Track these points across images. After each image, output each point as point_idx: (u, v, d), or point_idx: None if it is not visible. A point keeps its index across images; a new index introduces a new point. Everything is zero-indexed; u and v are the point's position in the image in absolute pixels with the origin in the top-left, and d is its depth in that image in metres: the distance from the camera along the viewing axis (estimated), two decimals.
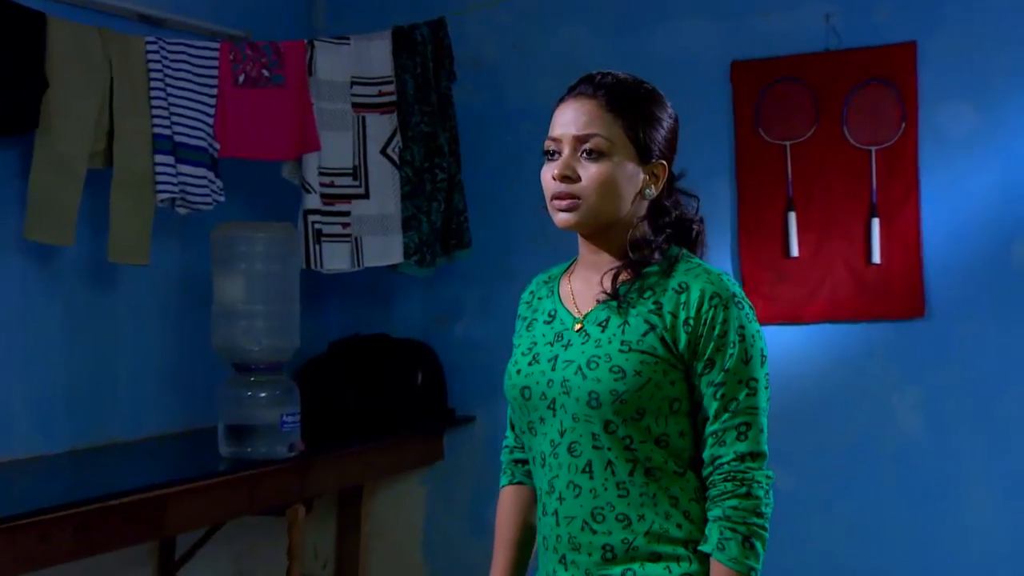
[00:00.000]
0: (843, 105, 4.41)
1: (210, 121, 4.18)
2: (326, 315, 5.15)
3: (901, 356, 4.39)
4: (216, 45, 4.27)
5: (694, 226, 2.19)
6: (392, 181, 4.55)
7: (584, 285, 2.18)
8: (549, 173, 2.12)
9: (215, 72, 4.21)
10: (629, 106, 2.10)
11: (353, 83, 4.53)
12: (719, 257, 4.51)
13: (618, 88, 2.11)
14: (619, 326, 2.08)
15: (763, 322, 2.26)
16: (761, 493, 2.02)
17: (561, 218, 2.11)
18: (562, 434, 2.10)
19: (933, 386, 4.34)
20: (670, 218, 2.16)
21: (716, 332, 2.04)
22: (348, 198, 4.49)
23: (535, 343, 2.19)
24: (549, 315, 2.21)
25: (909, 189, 4.33)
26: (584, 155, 2.09)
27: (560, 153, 2.11)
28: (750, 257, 4.51)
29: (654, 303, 2.08)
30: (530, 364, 2.17)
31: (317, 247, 4.40)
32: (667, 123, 2.15)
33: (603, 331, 2.10)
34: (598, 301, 2.14)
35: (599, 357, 2.07)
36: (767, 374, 2.09)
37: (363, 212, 4.51)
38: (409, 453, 4.85)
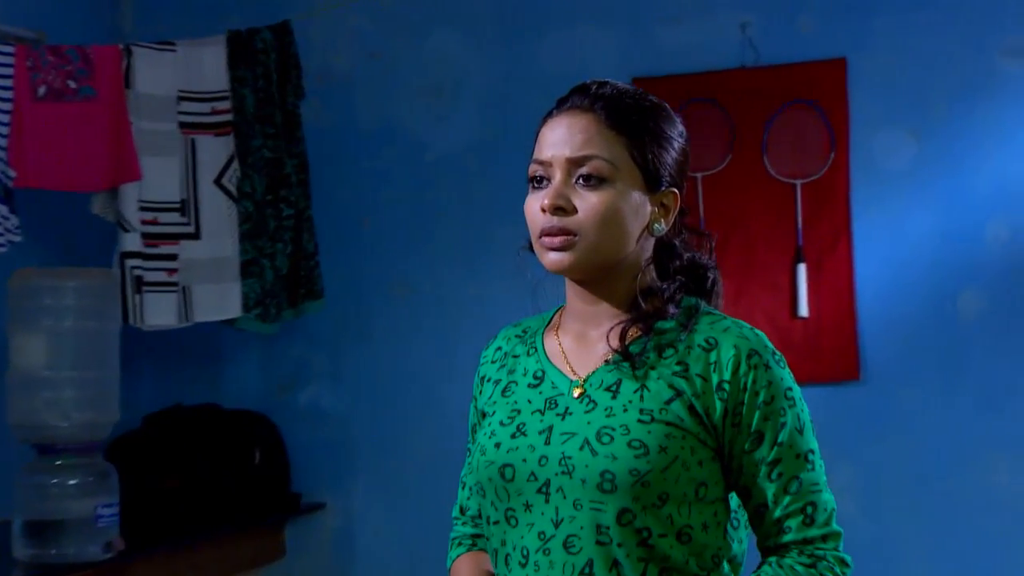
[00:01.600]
0: (763, 131, 4.43)
1: (3, 143, 4.07)
2: (141, 381, 4.99)
3: (832, 426, 4.32)
4: (10, 49, 4.15)
5: (709, 273, 2.12)
6: (228, 217, 4.49)
7: (578, 342, 2.09)
8: (536, 204, 2.02)
9: (9, 83, 4.12)
10: (634, 122, 2.03)
11: (181, 98, 4.46)
12: None
13: (620, 100, 2.04)
14: (635, 391, 1.99)
15: None
16: (828, 575, 1.96)
17: (552, 259, 2.01)
18: (557, 525, 1.97)
19: (869, 461, 4.35)
20: (681, 262, 2.10)
21: (760, 399, 1.96)
22: (175, 238, 4.42)
23: (518, 411, 2.07)
24: (535, 377, 2.10)
25: (840, 230, 4.36)
26: (580, 181, 2.01)
27: (550, 179, 2.02)
28: None
29: (678, 363, 2.00)
30: (513, 436, 2.04)
31: (137, 298, 4.31)
32: (678, 143, 2.09)
33: (614, 397, 1.99)
34: (605, 361, 2.03)
35: (612, 429, 1.96)
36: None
37: (193, 255, 4.44)
38: (244, 549, 4.74)
